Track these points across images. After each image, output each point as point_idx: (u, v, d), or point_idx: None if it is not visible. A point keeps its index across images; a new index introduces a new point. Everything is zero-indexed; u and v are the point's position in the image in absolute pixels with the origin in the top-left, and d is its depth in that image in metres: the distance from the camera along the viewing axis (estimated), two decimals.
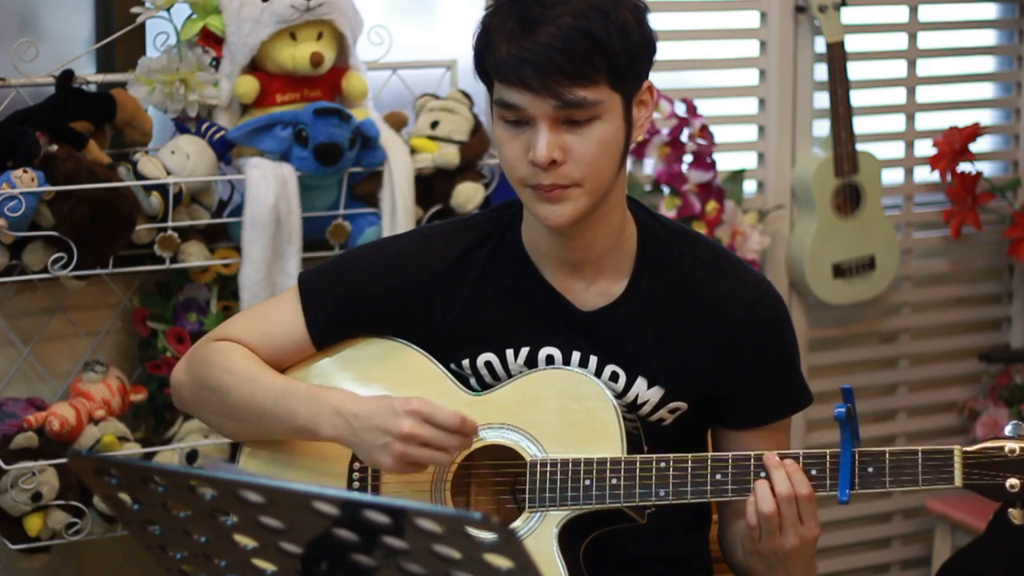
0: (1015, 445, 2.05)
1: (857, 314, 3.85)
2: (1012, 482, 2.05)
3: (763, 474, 2.09)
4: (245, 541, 1.63)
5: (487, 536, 1.44)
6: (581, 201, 2.10)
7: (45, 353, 3.00)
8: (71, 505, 2.82)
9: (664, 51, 3.56)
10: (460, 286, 2.24)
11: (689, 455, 2.12)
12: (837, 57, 3.58)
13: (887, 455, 2.08)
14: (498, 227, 2.26)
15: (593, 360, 2.22)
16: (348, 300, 2.26)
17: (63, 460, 2.79)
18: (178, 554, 1.72)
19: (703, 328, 2.21)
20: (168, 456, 2.92)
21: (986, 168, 3.89)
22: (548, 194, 2.09)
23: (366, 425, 2.13)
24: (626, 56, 2.07)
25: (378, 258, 2.30)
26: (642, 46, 2.10)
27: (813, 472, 2.09)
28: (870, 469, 2.08)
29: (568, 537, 2.15)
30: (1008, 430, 2.08)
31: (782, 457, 2.09)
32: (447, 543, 1.47)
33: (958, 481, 2.06)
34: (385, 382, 2.24)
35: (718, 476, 2.11)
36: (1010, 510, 2.07)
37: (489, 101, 2.15)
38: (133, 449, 2.88)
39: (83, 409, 2.85)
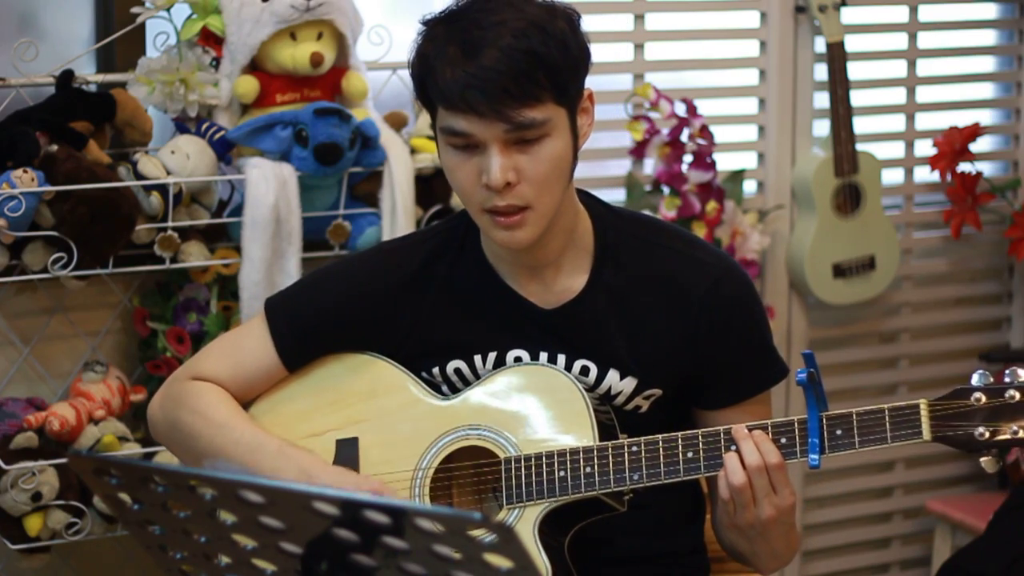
0: (981, 394, 2.02)
1: (857, 314, 3.85)
2: (981, 431, 2.02)
3: (733, 447, 2.09)
4: (245, 541, 1.63)
5: (487, 536, 1.44)
6: (538, 225, 2.11)
7: (45, 353, 3.00)
8: (71, 505, 2.82)
9: (664, 51, 3.63)
10: (424, 297, 2.25)
11: (660, 436, 2.13)
12: (837, 57, 3.58)
13: (854, 416, 2.07)
14: (456, 236, 2.27)
15: (561, 358, 2.22)
16: (315, 320, 2.28)
17: (63, 460, 2.79)
18: (178, 554, 1.72)
19: (668, 312, 2.20)
20: (168, 456, 2.91)
21: (986, 168, 3.89)
22: (506, 220, 2.09)
23: None
24: (568, 69, 2.07)
25: (341, 276, 2.31)
26: (580, 57, 2.10)
27: (783, 440, 2.09)
28: (838, 431, 2.07)
29: (549, 531, 2.15)
30: (975, 379, 2.05)
31: (751, 428, 2.09)
32: (447, 543, 1.47)
33: (927, 435, 2.04)
34: (357, 396, 2.26)
35: (689, 454, 2.11)
36: (982, 459, 2.03)
37: (433, 127, 2.14)
38: (133, 449, 2.88)
39: (83, 409, 2.85)
